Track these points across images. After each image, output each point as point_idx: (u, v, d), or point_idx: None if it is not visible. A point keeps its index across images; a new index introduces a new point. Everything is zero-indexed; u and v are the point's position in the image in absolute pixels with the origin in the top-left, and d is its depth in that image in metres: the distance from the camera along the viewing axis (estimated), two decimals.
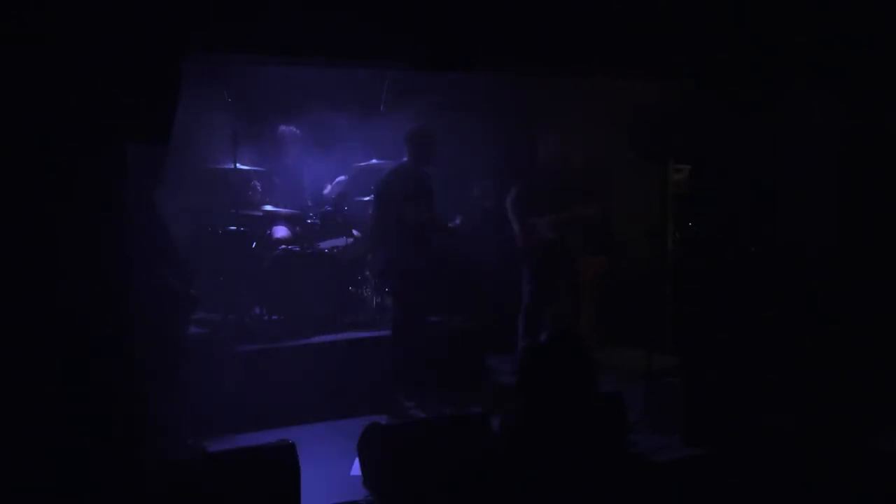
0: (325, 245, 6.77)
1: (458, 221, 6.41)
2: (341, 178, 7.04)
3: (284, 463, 3.74)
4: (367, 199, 7.00)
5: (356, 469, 4.67)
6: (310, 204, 6.95)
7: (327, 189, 7.07)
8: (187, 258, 5.31)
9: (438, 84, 6.91)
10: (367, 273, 6.96)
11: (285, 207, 6.72)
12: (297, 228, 6.81)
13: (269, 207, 6.57)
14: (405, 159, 5.98)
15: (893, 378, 4.85)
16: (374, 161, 6.95)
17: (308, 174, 7.06)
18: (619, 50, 4.34)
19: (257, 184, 6.74)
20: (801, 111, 5.21)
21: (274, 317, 6.37)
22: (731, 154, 5.27)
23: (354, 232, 6.91)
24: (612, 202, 7.62)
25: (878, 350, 4.94)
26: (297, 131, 6.96)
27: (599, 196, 6.81)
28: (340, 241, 6.80)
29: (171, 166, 5.06)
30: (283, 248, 6.53)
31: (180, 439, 4.92)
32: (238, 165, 6.38)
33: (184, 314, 5.20)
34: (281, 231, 6.77)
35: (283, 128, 6.93)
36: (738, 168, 5.24)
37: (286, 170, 6.97)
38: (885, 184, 4.96)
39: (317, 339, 6.23)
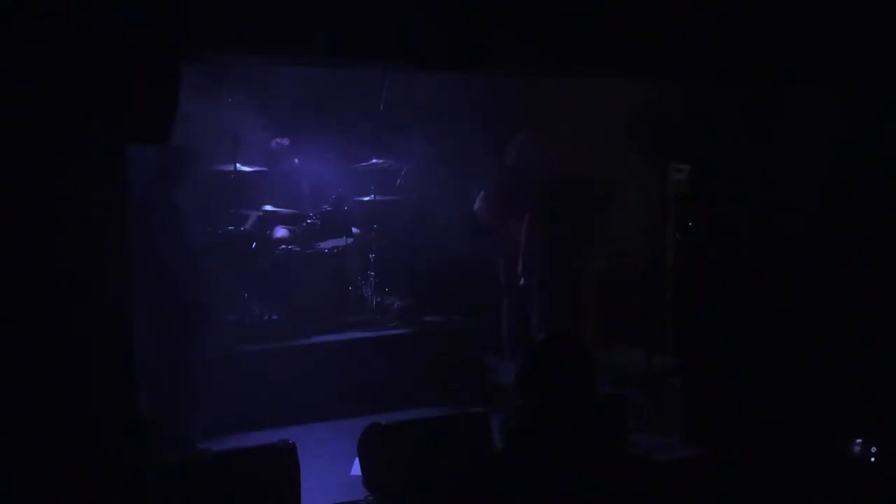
0: (325, 245, 6.77)
1: None
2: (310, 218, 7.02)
3: (284, 463, 3.74)
4: (366, 199, 7.01)
5: (356, 469, 4.67)
6: (309, 204, 6.97)
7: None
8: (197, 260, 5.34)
9: (438, 83, 6.91)
10: (371, 273, 6.96)
11: (285, 207, 6.73)
12: (297, 228, 6.82)
13: (269, 207, 6.57)
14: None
15: (892, 378, 4.85)
16: (373, 161, 6.96)
17: (308, 174, 7.07)
18: (620, 50, 4.33)
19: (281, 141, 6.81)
20: (802, 111, 5.21)
21: (274, 317, 6.37)
22: (731, 154, 5.27)
23: (354, 231, 6.91)
24: (611, 202, 7.62)
25: (877, 350, 4.93)
26: (287, 142, 6.95)
27: (578, 191, 6.74)
28: (340, 241, 6.80)
29: (186, 167, 5.11)
30: (283, 248, 6.53)
31: (186, 440, 4.93)
32: (238, 166, 6.39)
33: (196, 317, 5.24)
34: (281, 231, 6.78)
35: (276, 140, 6.94)
36: (738, 168, 5.24)
37: (285, 170, 6.98)
38: (886, 184, 4.95)
39: (317, 339, 6.23)
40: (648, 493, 2.46)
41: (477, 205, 6.49)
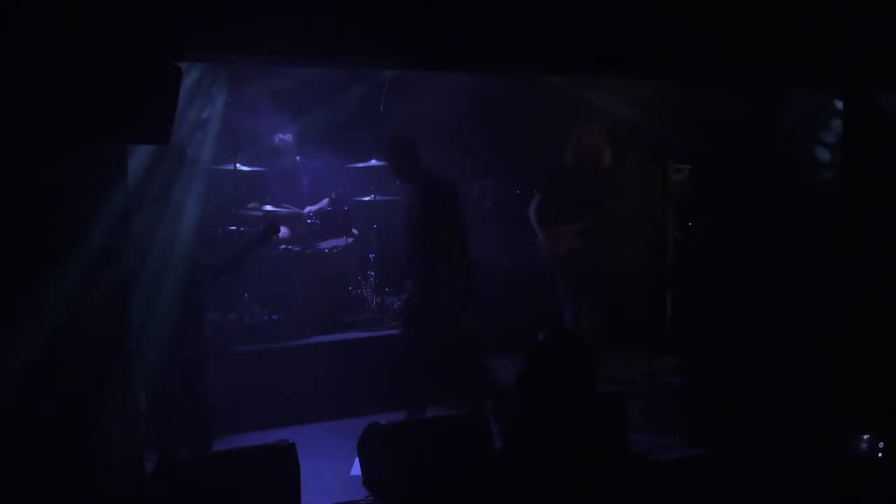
0: (325, 245, 6.77)
1: None
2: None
3: (284, 463, 3.74)
4: (366, 199, 7.01)
5: (356, 469, 4.67)
6: (310, 204, 6.97)
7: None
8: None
9: (438, 83, 6.90)
10: (371, 273, 6.96)
11: (285, 207, 6.73)
12: (298, 228, 6.82)
13: (269, 207, 6.57)
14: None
15: (891, 378, 4.85)
16: (373, 162, 6.96)
17: (308, 173, 7.07)
18: (619, 50, 4.34)
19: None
20: (802, 110, 5.21)
21: (274, 317, 6.37)
22: (731, 154, 5.27)
23: (354, 231, 6.91)
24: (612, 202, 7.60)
25: (876, 351, 4.94)
26: (290, 138, 6.94)
27: (620, 196, 6.58)
28: (340, 241, 6.80)
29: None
30: (283, 248, 6.53)
31: (186, 440, 4.92)
32: (238, 166, 6.39)
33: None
34: (281, 231, 6.77)
35: (279, 136, 6.93)
36: (738, 168, 5.24)
37: (287, 167, 6.98)
38: (886, 184, 4.96)
39: (317, 339, 6.23)
40: (648, 493, 2.46)
41: (532, 209, 6.21)
